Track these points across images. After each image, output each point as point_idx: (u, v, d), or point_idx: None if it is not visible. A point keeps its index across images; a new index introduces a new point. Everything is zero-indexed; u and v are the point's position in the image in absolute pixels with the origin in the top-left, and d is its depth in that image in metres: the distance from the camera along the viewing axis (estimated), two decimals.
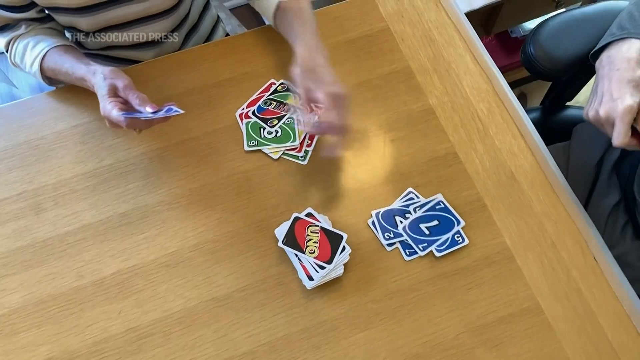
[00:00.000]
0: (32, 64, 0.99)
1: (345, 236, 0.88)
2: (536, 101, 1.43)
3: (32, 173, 0.97)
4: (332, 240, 0.88)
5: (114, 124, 0.86)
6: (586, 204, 1.09)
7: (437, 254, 0.90)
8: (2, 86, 2.11)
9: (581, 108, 1.34)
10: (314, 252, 0.87)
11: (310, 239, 0.88)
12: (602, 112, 0.85)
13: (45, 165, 0.98)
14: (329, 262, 0.86)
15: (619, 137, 0.82)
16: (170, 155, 0.98)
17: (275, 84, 1.03)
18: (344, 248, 0.87)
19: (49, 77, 1.02)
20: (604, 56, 0.90)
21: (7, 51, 1.03)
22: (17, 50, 1.01)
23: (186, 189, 0.96)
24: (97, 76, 0.89)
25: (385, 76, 1.05)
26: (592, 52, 0.93)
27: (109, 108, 0.84)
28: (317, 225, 0.89)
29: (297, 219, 0.90)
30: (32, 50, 0.99)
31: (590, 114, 0.87)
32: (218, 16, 1.28)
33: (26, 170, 0.97)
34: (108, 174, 0.97)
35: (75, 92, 1.04)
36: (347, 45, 1.08)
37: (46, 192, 0.96)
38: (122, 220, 0.93)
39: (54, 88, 1.07)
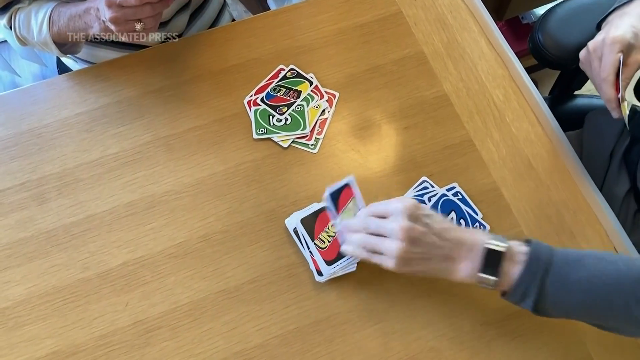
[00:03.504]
0: (40, 30, 0.95)
1: None
2: (547, 88, 1.40)
3: (35, 162, 0.94)
4: None
5: (117, 10, 0.81)
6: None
7: None
8: (5, 75, 2.08)
9: (591, 96, 1.31)
10: (324, 244, 0.85)
11: (327, 232, 0.85)
12: (591, 45, 0.84)
13: (49, 154, 0.95)
14: (330, 263, 0.84)
15: (606, 67, 0.81)
16: (178, 143, 0.96)
17: (284, 69, 1.00)
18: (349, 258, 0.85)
19: (57, 42, 0.98)
20: (612, 15, 0.88)
21: (10, 27, 0.99)
22: (20, 21, 0.97)
23: (194, 178, 0.93)
24: None
25: (398, 61, 1.02)
26: (600, 20, 0.90)
27: None
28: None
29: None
30: (37, 15, 0.95)
31: (582, 53, 0.86)
32: (225, 0, 1.25)
33: (29, 159, 0.95)
34: (113, 162, 0.94)
35: (79, 79, 1.01)
36: (358, 30, 1.05)
37: (50, 181, 0.93)
38: (129, 210, 0.91)
39: (57, 76, 1.04)
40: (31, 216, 0.91)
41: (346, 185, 0.85)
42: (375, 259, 0.75)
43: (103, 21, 0.85)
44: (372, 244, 0.74)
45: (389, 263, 0.72)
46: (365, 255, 0.76)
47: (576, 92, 1.32)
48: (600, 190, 1.04)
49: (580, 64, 0.88)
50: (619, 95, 0.81)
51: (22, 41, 1.01)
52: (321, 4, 1.08)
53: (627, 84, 0.83)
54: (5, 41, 1.95)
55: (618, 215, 1.00)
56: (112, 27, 0.84)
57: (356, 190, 0.83)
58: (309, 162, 0.94)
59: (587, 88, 1.45)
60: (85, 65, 1.15)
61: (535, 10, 1.89)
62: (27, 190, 0.92)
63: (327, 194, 0.84)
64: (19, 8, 0.97)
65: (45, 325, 0.84)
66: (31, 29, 0.97)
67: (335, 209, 0.83)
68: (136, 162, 0.94)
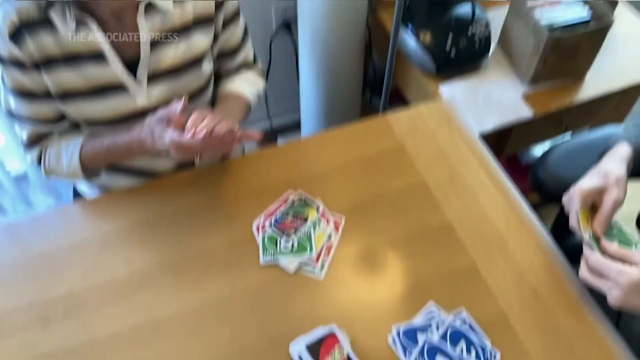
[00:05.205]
0: (70, 160, 1.02)
1: None
2: (547, 226, 1.43)
3: (44, 284, 0.95)
4: None
5: (183, 150, 0.89)
6: (616, 324, 1.05)
7: None
8: (20, 206, 2.14)
9: None
10: None
11: (332, 358, 0.84)
12: (564, 198, 0.92)
13: (59, 276, 0.96)
14: None
15: (572, 219, 0.89)
16: (186, 267, 0.97)
17: (292, 195, 1.04)
18: None
19: (86, 170, 1.05)
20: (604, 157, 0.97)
21: (39, 162, 1.06)
22: (50, 155, 1.04)
23: (200, 303, 0.93)
24: (146, 120, 0.94)
25: (402, 191, 1.06)
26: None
27: (176, 136, 0.88)
28: (345, 352, 0.85)
29: (332, 333, 0.87)
30: (67, 147, 1.03)
31: (563, 199, 0.93)
32: None
33: (39, 280, 0.95)
34: (121, 285, 0.95)
35: (92, 206, 1.05)
36: (364, 162, 1.10)
37: (57, 303, 0.93)
38: (133, 334, 0.90)
39: (71, 203, 1.09)
40: (35, 339, 0.89)
41: (329, 335, 0.86)
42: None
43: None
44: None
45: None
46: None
47: None
48: (617, 323, 1.03)
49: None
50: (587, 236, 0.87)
51: (49, 172, 1.07)
52: (328, 138, 1.15)
53: (606, 221, 0.88)
54: (24, 175, 2.03)
55: (638, 350, 0.98)
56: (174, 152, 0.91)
57: (342, 337, 0.86)
58: (315, 288, 0.94)
59: None
60: (100, 192, 1.20)
61: (534, 152, 1.99)
62: (33, 312, 0.92)
63: (302, 346, 0.85)
64: (49, 143, 1.05)
65: None
66: (61, 161, 1.04)
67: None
68: (144, 286, 0.95)
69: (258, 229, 1.00)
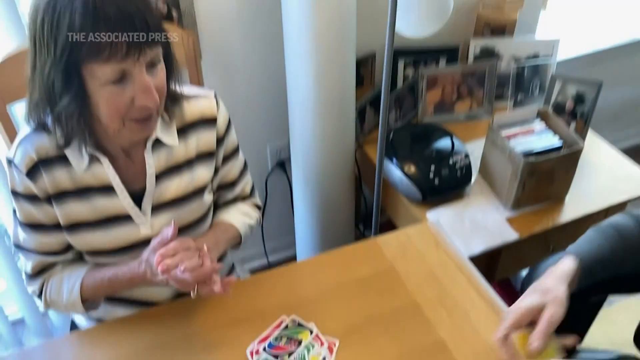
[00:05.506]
0: (70, 292, 1.05)
1: None
2: None
3: None
4: None
5: (176, 283, 0.94)
6: None
7: None
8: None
9: (593, 351, 1.32)
10: None
11: None
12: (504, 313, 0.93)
13: None
14: None
15: (498, 331, 0.89)
16: None
17: (286, 320, 1.05)
18: None
19: (86, 302, 1.07)
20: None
21: (40, 293, 1.08)
22: (51, 286, 1.07)
23: None
24: (143, 254, 0.98)
25: (394, 311, 1.08)
26: None
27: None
28: None
29: None
30: (69, 279, 1.06)
31: None
32: (233, 264, 1.36)
33: None
34: None
35: (86, 336, 1.06)
36: (356, 284, 1.13)
37: None
38: None
39: (62, 336, 1.09)
40: None
41: None
42: None
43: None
44: None
45: None
46: None
47: (579, 347, 1.33)
48: None
49: None
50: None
51: (49, 304, 1.09)
52: (319, 262, 1.19)
53: (541, 337, 0.87)
54: (21, 319, 2.02)
55: None
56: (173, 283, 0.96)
57: None
58: None
59: (587, 343, 1.47)
60: (94, 323, 1.20)
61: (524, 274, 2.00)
62: None
63: None
64: (52, 274, 1.08)
65: None
66: (62, 292, 1.07)
67: None
68: None
69: (252, 354, 1.00)
